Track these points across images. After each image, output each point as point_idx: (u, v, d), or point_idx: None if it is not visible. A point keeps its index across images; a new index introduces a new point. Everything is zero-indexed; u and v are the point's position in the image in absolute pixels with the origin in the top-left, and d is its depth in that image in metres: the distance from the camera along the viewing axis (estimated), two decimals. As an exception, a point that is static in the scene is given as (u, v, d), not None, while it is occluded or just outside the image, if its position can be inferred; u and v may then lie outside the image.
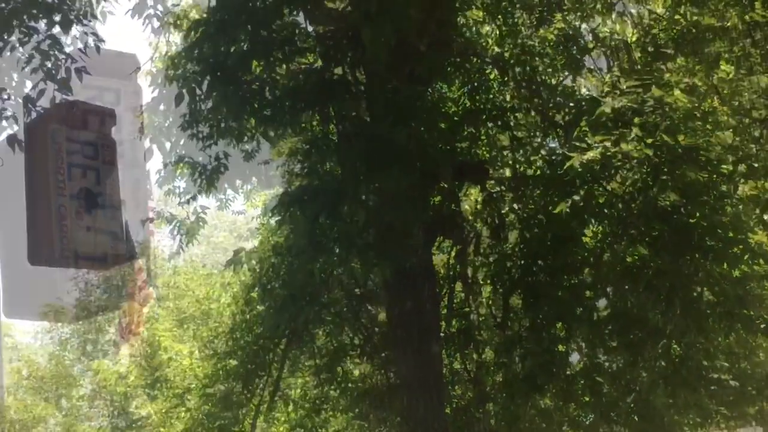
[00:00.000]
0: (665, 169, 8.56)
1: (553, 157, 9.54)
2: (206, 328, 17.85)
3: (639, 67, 9.94)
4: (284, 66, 9.30)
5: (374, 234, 9.18)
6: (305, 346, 12.12)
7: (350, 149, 9.17)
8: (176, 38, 12.73)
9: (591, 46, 10.55)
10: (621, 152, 8.23)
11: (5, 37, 8.94)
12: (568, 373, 9.83)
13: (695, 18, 10.10)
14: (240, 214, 32.28)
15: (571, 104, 9.81)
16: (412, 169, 8.86)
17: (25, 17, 8.93)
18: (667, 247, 8.76)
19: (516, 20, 10.48)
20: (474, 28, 10.68)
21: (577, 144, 8.51)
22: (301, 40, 9.38)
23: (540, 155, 9.96)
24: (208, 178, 10.25)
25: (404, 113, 9.03)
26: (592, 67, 10.63)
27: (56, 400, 24.17)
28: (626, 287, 9.27)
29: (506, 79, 10.28)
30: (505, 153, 10.47)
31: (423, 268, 9.60)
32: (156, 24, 17.76)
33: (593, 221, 9.49)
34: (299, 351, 12.40)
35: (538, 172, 9.87)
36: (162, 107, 26.17)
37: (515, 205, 10.22)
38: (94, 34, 9.49)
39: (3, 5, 8.81)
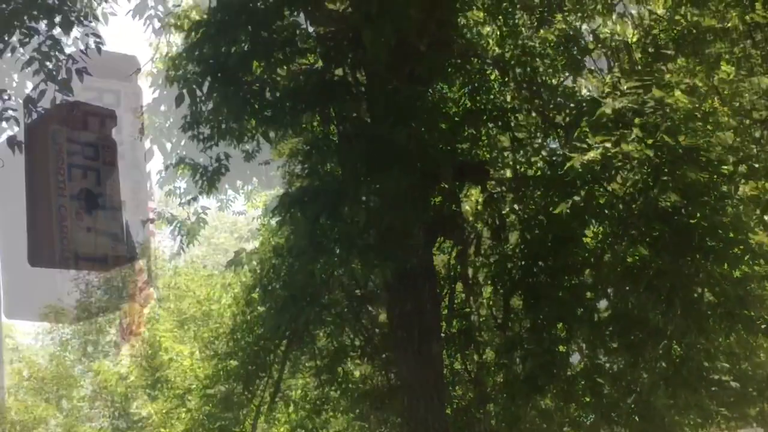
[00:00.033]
0: (666, 170, 8.56)
1: (554, 158, 9.54)
2: (207, 328, 17.84)
3: (639, 67, 9.94)
4: (285, 67, 9.30)
5: (375, 235, 9.18)
6: (306, 347, 12.12)
7: (351, 150, 9.17)
8: (177, 39, 12.72)
9: (591, 46, 10.54)
10: (621, 153, 8.23)
11: (6, 38, 8.94)
12: (568, 373, 9.83)
13: (696, 19, 10.09)
14: (240, 215, 32.28)
15: (572, 105, 9.81)
16: (412, 169, 8.86)
17: (25, 18, 8.93)
18: (667, 248, 8.76)
19: (516, 21, 10.49)
20: (474, 29, 10.68)
21: (578, 145, 8.51)
22: (302, 40, 9.38)
23: (540, 156, 9.96)
24: (209, 179, 10.24)
25: (405, 114, 9.03)
26: (592, 67, 10.63)
27: (57, 401, 24.18)
28: (627, 288, 9.27)
29: (507, 79, 10.29)
30: (505, 154, 10.48)
31: (424, 269, 9.60)
32: (157, 25, 17.78)
33: (594, 222, 9.49)
34: (300, 352, 12.40)
35: (539, 172, 9.87)
36: (163, 108, 26.20)
37: (516, 206, 10.23)
38: (95, 35, 9.48)
39: (3, 6, 8.81)
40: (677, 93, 8.57)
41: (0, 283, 24.50)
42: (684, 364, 9.54)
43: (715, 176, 8.67)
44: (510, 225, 10.30)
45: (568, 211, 8.70)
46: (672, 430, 10.43)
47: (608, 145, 8.25)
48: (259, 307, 12.40)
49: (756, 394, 10.66)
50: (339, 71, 9.54)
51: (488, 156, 10.50)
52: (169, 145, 26.64)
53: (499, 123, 10.18)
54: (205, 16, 9.52)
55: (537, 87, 10.26)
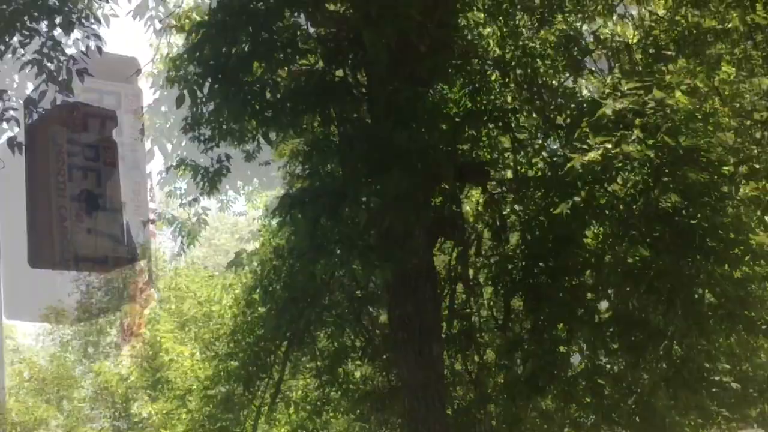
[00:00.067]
0: (666, 171, 8.57)
1: (555, 159, 9.54)
2: (207, 329, 17.85)
3: (640, 68, 9.94)
4: (285, 68, 9.30)
5: (375, 236, 9.18)
6: (306, 347, 12.12)
7: (351, 151, 9.17)
8: (177, 40, 12.72)
9: (592, 47, 10.54)
10: (622, 154, 8.23)
11: (6, 40, 8.93)
12: (569, 374, 9.83)
13: (696, 20, 10.09)
14: (241, 216, 32.28)
15: (573, 106, 9.79)
16: (413, 170, 8.86)
17: (26, 19, 8.92)
18: (668, 249, 8.77)
19: (517, 22, 10.48)
20: (475, 30, 10.67)
21: (578, 145, 8.51)
22: (302, 41, 9.38)
23: (541, 157, 9.97)
24: (211, 180, 10.24)
25: (405, 115, 9.03)
26: (593, 68, 10.63)
27: (57, 402, 24.18)
28: (627, 289, 9.27)
29: (507, 80, 10.28)
30: (506, 154, 10.48)
31: (424, 270, 9.59)
32: (157, 26, 17.74)
33: (594, 223, 9.50)
34: (300, 353, 12.40)
35: (539, 173, 9.87)
36: (163, 109, 26.14)
37: (516, 207, 10.23)
38: (96, 35, 9.48)
39: (4, 6, 8.80)
40: (678, 94, 8.57)
41: (1, 284, 24.49)
42: (685, 364, 9.54)
43: (716, 177, 8.68)
44: (511, 226, 10.30)
45: (568, 211, 8.70)
46: (672, 430, 10.43)
47: (609, 145, 8.24)
48: (259, 308, 12.40)
49: (756, 395, 10.68)
50: (339, 72, 9.54)
51: (489, 157, 10.50)
52: (169, 146, 26.58)
53: (500, 124, 10.18)
54: (205, 17, 9.52)
55: (537, 88, 10.26)
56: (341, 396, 12.33)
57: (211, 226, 19.55)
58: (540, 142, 10.39)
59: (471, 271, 10.56)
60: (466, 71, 10.22)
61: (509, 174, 10.41)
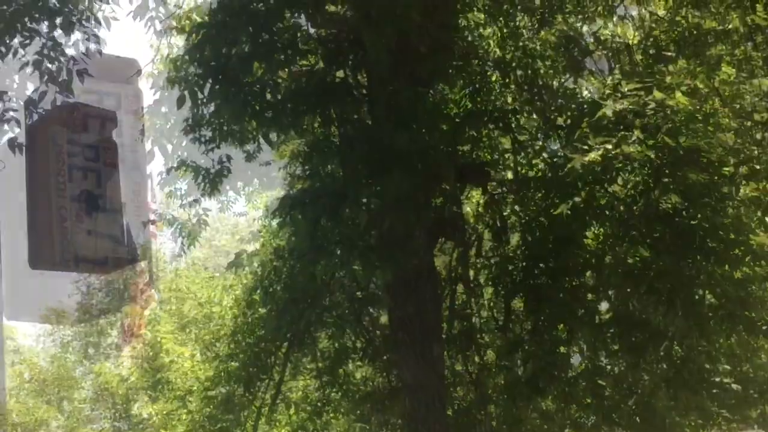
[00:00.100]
0: (666, 171, 8.57)
1: (555, 160, 9.54)
2: (208, 330, 17.86)
3: (640, 69, 9.93)
4: (286, 69, 9.30)
5: (376, 236, 9.17)
6: (307, 348, 12.11)
7: (352, 152, 9.17)
8: (178, 41, 12.71)
9: (592, 48, 10.54)
10: (622, 154, 8.23)
11: (7, 41, 8.93)
12: (569, 375, 9.83)
13: (696, 20, 10.09)
14: (242, 216, 32.24)
15: (573, 106, 9.79)
16: (413, 171, 8.85)
17: (26, 20, 8.93)
18: (668, 249, 8.77)
19: (517, 23, 10.48)
20: (475, 31, 10.67)
21: (579, 146, 8.51)
22: (303, 42, 9.38)
23: (541, 157, 9.97)
24: (211, 181, 10.24)
25: (406, 116, 9.03)
26: (593, 69, 10.63)
27: (58, 403, 24.19)
28: (628, 289, 9.27)
29: (508, 81, 10.28)
30: (506, 155, 10.48)
31: (425, 271, 9.59)
32: (158, 27, 17.74)
33: (595, 223, 9.50)
34: (301, 354, 12.40)
35: (540, 174, 9.87)
36: (164, 109, 26.08)
37: (517, 208, 10.23)
38: (96, 36, 9.48)
39: (5, 7, 8.81)
40: (678, 95, 8.57)
41: (1, 284, 24.48)
42: (685, 365, 9.54)
43: (716, 178, 8.68)
44: (511, 226, 10.29)
45: (569, 212, 8.70)
46: (673, 431, 10.43)
47: (609, 146, 8.24)
48: (260, 309, 12.40)
49: (757, 395, 10.67)
50: (340, 73, 9.54)
51: (489, 157, 10.50)
52: (170, 147, 26.51)
53: (500, 124, 10.18)
54: (206, 18, 9.52)
55: (538, 89, 10.26)
56: (342, 397, 12.32)
57: (211, 227, 19.52)
58: (540, 142, 10.39)
59: (471, 272, 10.56)
60: (466, 72, 10.22)
61: (510, 175, 10.41)
